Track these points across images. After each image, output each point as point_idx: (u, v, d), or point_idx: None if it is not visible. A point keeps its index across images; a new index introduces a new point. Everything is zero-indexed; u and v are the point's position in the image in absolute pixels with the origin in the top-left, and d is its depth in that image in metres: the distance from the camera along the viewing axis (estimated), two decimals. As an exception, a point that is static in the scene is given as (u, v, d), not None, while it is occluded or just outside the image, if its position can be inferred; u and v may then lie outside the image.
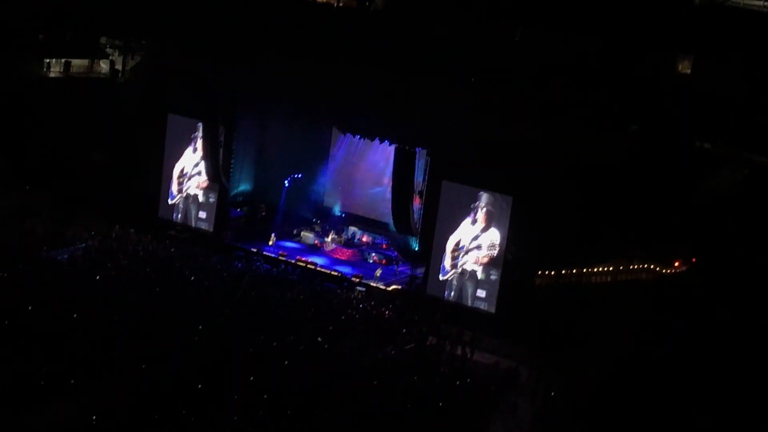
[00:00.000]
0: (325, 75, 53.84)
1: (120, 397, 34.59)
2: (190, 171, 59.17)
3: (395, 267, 57.05)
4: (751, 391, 39.90)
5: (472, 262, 50.87)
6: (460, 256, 51.16)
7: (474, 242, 50.80)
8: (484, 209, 50.26)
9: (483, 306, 50.74)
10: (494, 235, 50.18)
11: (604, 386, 40.54)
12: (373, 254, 58.46)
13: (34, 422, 31.88)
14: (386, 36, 54.30)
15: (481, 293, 50.79)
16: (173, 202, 59.97)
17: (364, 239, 60.86)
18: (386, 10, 59.11)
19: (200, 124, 57.95)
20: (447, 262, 51.52)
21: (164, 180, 60.09)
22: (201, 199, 59.08)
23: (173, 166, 59.70)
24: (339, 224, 61.93)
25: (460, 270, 51.25)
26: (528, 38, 53.72)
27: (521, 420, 39.68)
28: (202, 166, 58.25)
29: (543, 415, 39.47)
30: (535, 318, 47.19)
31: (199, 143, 58.24)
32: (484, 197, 50.22)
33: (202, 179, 58.68)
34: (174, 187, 59.90)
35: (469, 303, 51.07)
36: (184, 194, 59.61)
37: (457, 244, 51.19)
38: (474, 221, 50.63)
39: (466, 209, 50.86)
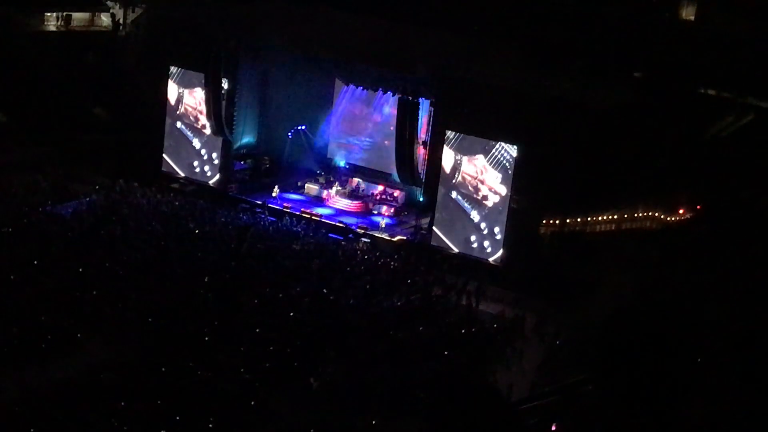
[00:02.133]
0: (327, 25, 53.47)
1: (126, 351, 34.77)
2: (193, 123, 58.94)
3: (400, 217, 57.11)
4: (756, 338, 39.99)
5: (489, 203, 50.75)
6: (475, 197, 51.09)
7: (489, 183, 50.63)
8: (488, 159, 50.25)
9: (488, 256, 50.77)
10: (499, 185, 50.10)
11: (610, 334, 40.60)
12: (379, 206, 58.40)
13: (41, 377, 32.03)
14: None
15: (486, 243, 50.79)
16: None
17: (369, 190, 60.69)
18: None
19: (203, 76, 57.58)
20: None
21: (167, 133, 59.87)
22: (204, 151, 58.89)
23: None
24: (343, 175, 61.85)
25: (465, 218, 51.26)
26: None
27: (527, 368, 39.87)
28: (204, 119, 57.96)
29: (549, 363, 39.65)
30: (540, 267, 47.27)
31: (202, 96, 57.94)
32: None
33: (206, 132, 58.43)
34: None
35: (475, 253, 51.05)
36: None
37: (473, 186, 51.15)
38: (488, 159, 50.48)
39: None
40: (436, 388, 34.53)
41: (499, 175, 50.10)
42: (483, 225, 50.86)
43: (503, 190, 50.07)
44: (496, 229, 50.49)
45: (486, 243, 50.84)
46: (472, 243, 51.12)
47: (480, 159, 50.38)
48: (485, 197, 50.69)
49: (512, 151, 49.36)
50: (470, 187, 51.10)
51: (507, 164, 49.67)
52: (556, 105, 47.39)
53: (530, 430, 31.86)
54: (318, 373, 34.90)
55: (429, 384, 35.20)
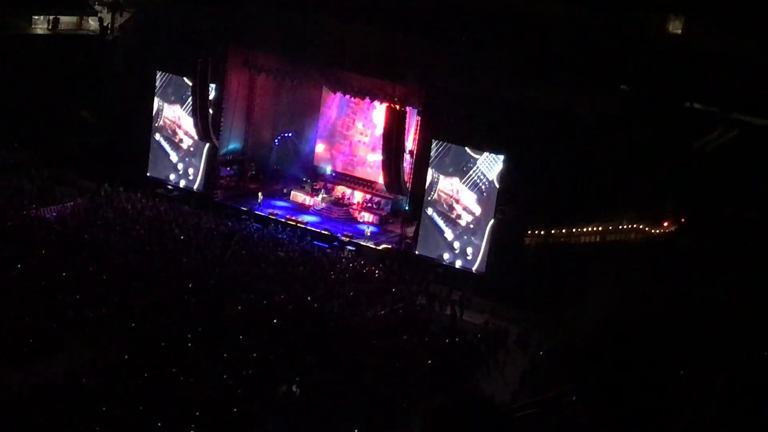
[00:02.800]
0: (316, 33, 53.47)
1: (109, 355, 34.65)
2: (180, 130, 58.90)
3: (385, 226, 57.14)
4: (742, 348, 40.11)
5: (463, 222, 50.94)
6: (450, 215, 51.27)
7: (464, 202, 50.86)
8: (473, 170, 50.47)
9: (472, 266, 50.82)
10: (474, 204, 50.35)
11: (593, 346, 40.70)
12: (363, 214, 58.39)
13: (23, 379, 31.85)
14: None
15: (470, 253, 50.85)
16: (162, 160, 59.66)
17: (354, 198, 60.66)
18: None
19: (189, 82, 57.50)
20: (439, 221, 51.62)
21: (153, 138, 59.78)
22: (190, 157, 58.84)
23: (162, 125, 59.42)
24: (329, 183, 61.80)
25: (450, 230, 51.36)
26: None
27: (510, 378, 39.88)
28: (191, 125, 57.89)
29: (531, 374, 39.66)
30: (524, 278, 47.29)
31: (188, 101, 57.93)
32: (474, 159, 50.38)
33: (192, 137, 58.38)
34: (163, 146, 59.59)
35: (459, 263, 51.11)
36: (174, 153, 59.31)
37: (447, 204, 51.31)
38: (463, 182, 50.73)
39: (456, 169, 50.86)
40: (422, 398, 34.61)
41: (474, 196, 50.39)
42: (456, 244, 51.11)
43: (478, 210, 50.30)
44: (469, 250, 50.81)
45: (458, 263, 51.09)
46: (445, 261, 51.30)
47: (456, 180, 50.77)
48: (459, 216, 50.93)
49: (489, 174, 49.67)
50: (445, 205, 51.32)
51: (483, 186, 50.00)
52: (543, 116, 47.49)
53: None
54: (300, 380, 34.81)
55: (411, 393, 35.25)
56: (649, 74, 49.74)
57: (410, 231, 54.09)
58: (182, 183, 59.10)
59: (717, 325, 40.95)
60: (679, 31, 52.19)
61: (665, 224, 51.98)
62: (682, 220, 51.51)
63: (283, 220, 55.26)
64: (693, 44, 50.47)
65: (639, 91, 50.38)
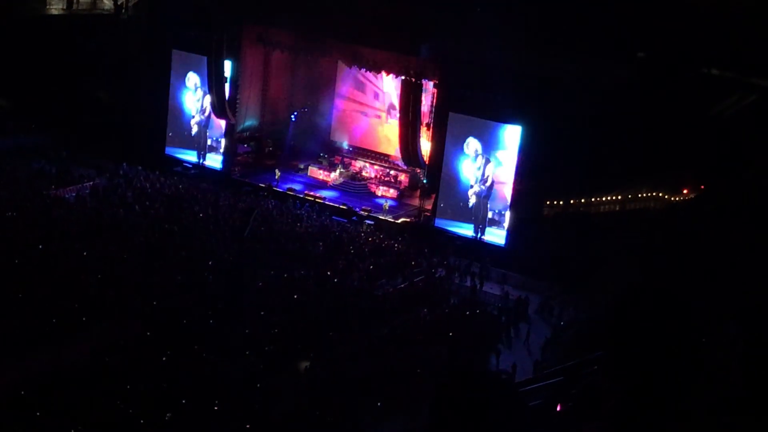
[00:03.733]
0: (330, 7, 53.21)
1: (131, 334, 34.82)
2: (197, 107, 59.00)
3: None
4: (763, 317, 39.97)
5: (481, 195, 50.89)
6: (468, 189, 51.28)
7: (482, 175, 50.80)
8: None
9: (492, 237, 50.78)
10: (502, 167, 50.23)
11: (614, 315, 40.67)
12: (383, 188, 58.37)
13: (46, 359, 32.10)
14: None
15: (490, 224, 50.81)
16: (180, 137, 59.80)
17: (372, 173, 60.64)
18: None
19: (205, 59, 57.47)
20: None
21: (170, 116, 59.87)
22: (207, 134, 58.94)
23: (179, 103, 59.48)
24: (346, 158, 61.78)
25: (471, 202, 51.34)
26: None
27: (531, 349, 39.97)
28: (207, 102, 57.95)
29: (552, 344, 39.71)
30: (544, 249, 47.24)
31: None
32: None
33: (209, 115, 58.46)
34: (180, 124, 59.72)
35: (479, 234, 51.08)
36: (191, 130, 59.43)
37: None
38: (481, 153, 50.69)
39: (474, 141, 50.77)
40: (439, 371, 34.65)
41: (493, 167, 50.60)
42: (489, 206, 51.19)
43: (496, 181, 50.53)
44: (502, 209, 50.79)
45: (478, 234, 51.29)
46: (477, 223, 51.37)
47: (474, 152, 50.90)
48: (479, 187, 51.06)
49: (508, 145, 49.75)
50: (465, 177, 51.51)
51: (501, 157, 50.23)
52: (560, 85, 47.30)
53: (534, 410, 31.93)
54: (311, 356, 34.91)
55: (432, 366, 35.30)
56: (665, 41, 49.35)
57: (428, 204, 54.04)
58: (200, 160, 59.21)
59: (737, 293, 40.79)
60: (697, -3, 51.73)
61: (685, 191, 51.80)
62: (702, 186, 51.30)
63: (302, 196, 55.34)
64: (709, 10, 49.99)
65: (656, 59, 50.03)
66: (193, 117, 59.19)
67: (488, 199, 50.71)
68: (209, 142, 59.01)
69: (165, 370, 32.32)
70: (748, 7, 48.71)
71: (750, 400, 32.07)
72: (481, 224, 50.99)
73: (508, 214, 50.22)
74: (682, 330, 37.74)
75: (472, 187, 51.09)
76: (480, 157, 50.66)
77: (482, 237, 50.87)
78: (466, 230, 51.45)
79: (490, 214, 50.80)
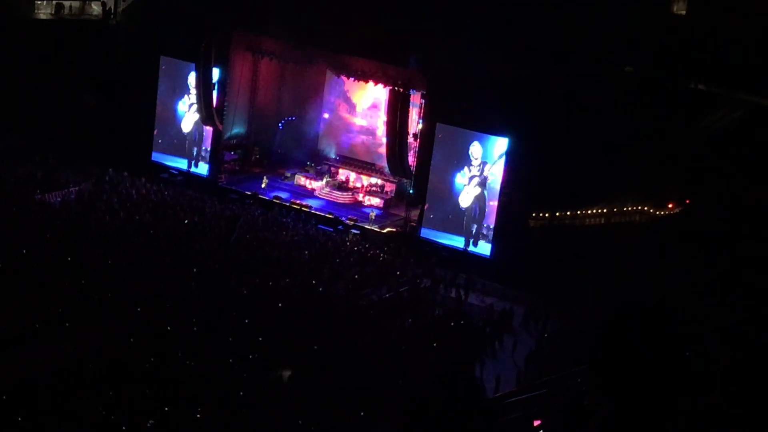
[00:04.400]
0: (319, 16, 53.28)
1: (115, 339, 34.70)
2: (183, 114, 58.94)
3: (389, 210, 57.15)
4: (748, 333, 40.08)
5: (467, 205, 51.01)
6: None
7: (468, 186, 50.93)
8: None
9: (478, 248, 50.85)
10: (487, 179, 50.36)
11: (598, 328, 40.74)
12: (368, 197, 58.42)
13: (29, 364, 31.96)
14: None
15: (475, 236, 50.89)
16: (166, 144, 59.71)
17: (359, 182, 60.68)
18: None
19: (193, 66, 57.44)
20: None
21: (157, 123, 59.78)
22: (194, 141, 58.88)
23: (166, 109, 59.40)
24: (333, 166, 61.81)
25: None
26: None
27: (515, 360, 39.96)
28: (194, 109, 57.90)
29: (536, 357, 39.72)
30: (530, 260, 47.30)
31: (192, 86, 58.00)
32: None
33: (195, 122, 58.40)
34: (168, 130, 59.62)
35: (463, 245, 51.15)
36: (178, 137, 59.35)
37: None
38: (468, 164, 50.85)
39: (460, 152, 50.86)
40: (417, 382, 34.65)
41: (479, 178, 50.91)
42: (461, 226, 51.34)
43: (483, 192, 50.79)
44: (473, 232, 51.14)
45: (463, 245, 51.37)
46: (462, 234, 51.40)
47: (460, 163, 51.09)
48: (464, 197, 51.24)
49: (494, 156, 50.00)
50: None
51: (487, 169, 50.53)
52: (548, 98, 47.43)
53: (512, 424, 32.02)
54: (294, 365, 34.84)
55: (412, 377, 35.27)
56: (653, 55, 49.57)
57: (415, 214, 54.07)
58: (186, 167, 59.13)
59: (723, 307, 40.95)
60: (684, 12, 51.98)
61: (670, 205, 51.94)
62: (687, 201, 51.46)
63: (288, 204, 55.30)
64: (697, 24, 50.26)
65: (643, 72, 50.25)
66: (181, 124, 59.12)
67: (474, 209, 50.80)
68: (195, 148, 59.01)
69: (148, 377, 32.21)
70: (735, 22, 49.00)
71: (736, 414, 32.18)
72: (472, 236, 51.04)
73: (493, 226, 50.31)
74: (667, 343, 37.84)
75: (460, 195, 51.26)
76: (466, 168, 50.78)
77: (473, 249, 50.90)
78: (454, 242, 51.45)
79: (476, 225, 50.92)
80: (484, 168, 50.59)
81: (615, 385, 33.52)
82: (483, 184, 50.71)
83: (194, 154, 59.14)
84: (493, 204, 50.49)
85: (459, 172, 51.29)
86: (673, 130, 48.50)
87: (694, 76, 50.10)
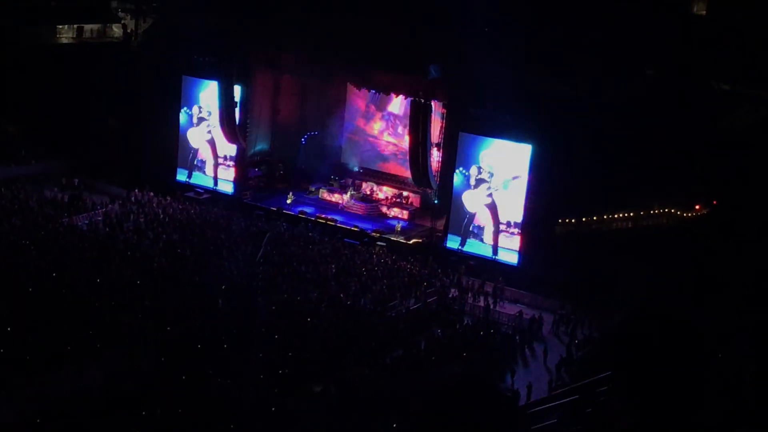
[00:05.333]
0: (339, 31, 53.43)
1: (146, 359, 34.85)
2: (207, 133, 59.24)
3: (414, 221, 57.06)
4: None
5: (491, 215, 50.90)
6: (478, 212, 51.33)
7: (491, 196, 50.86)
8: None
9: (505, 256, 50.71)
10: (512, 186, 50.22)
11: (627, 334, 40.51)
12: (393, 209, 58.38)
13: (61, 386, 32.16)
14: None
15: (503, 243, 50.74)
16: (191, 163, 60.06)
17: (383, 194, 60.64)
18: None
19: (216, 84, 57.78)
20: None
21: (181, 142, 60.12)
22: (219, 159, 59.15)
23: (189, 129, 59.74)
24: (357, 179, 61.82)
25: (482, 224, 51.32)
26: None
27: (546, 369, 39.82)
28: (218, 127, 58.19)
29: (566, 363, 39.56)
30: (557, 267, 47.13)
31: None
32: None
33: (220, 140, 58.68)
34: (192, 149, 59.99)
35: (491, 253, 51.06)
36: (203, 155, 59.69)
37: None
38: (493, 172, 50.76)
39: (485, 160, 50.82)
40: (448, 394, 34.56)
41: (504, 186, 50.59)
42: (488, 235, 51.23)
43: (508, 200, 50.44)
44: (501, 240, 50.89)
45: (503, 243, 51.04)
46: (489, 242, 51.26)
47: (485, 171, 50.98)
48: (491, 206, 51.09)
49: (518, 163, 49.72)
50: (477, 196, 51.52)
51: (513, 175, 50.20)
52: (570, 103, 47.32)
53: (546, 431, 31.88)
54: (323, 379, 34.85)
55: (443, 388, 35.18)
56: (674, 56, 49.45)
57: (440, 224, 54.01)
58: (212, 185, 59.45)
59: (752, 310, 40.64)
60: (704, 13, 51.87)
61: (697, 207, 51.70)
62: (714, 202, 51.19)
63: (313, 219, 55.38)
64: (718, 25, 50.13)
65: (665, 74, 50.10)
66: (205, 142, 59.52)
67: (500, 218, 50.74)
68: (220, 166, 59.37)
69: (179, 395, 32.33)
70: (755, 21, 48.83)
71: (762, 416, 31.91)
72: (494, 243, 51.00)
73: (520, 234, 50.17)
74: (694, 347, 37.58)
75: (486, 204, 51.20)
76: (493, 176, 50.70)
77: (495, 255, 50.80)
78: (479, 249, 51.37)
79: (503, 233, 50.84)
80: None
81: (642, 391, 33.32)
82: (491, 194, 50.68)
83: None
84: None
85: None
86: (697, 131, 48.31)
87: (716, 76, 49.92)
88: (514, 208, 50.19)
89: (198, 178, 59.70)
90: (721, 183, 49.05)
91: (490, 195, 50.65)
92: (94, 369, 34.04)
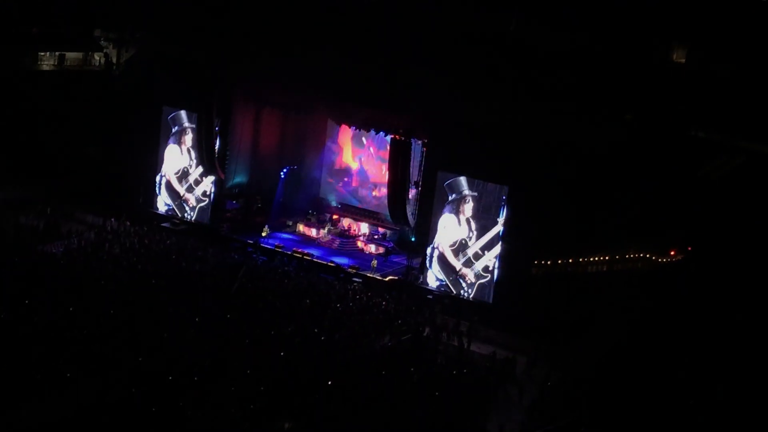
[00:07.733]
0: (320, 65, 53.61)
1: (117, 391, 34.55)
2: (185, 164, 59.19)
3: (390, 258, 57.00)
4: (748, 381, 39.94)
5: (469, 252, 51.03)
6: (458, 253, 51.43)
7: (467, 236, 51.02)
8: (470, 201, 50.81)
9: (479, 296, 50.77)
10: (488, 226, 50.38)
11: (600, 376, 40.60)
12: (370, 245, 58.42)
13: (31, 417, 31.81)
14: (380, 27, 53.94)
15: (477, 283, 50.84)
16: (168, 194, 59.95)
17: (360, 230, 60.72)
18: (380, 1, 58.84)
19: (195, 116, 57.81)
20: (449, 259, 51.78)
21: (159, 173, 60.02)
22: (197, 191, 59.06)
23: (168, 160, 59.70)
24: (334, 215, 61.87)
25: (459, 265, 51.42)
26: (523, 28, 53.48)
27: (518, 410, 39.72)
28: (196, 159, 58.17)
29: (540, 405, 39.50)
30: (531, 308, 47.19)
31: (191, 137, 58.45)
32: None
33: (197, 171, 58.63)
34: (170, 180, 59.89)
35: (466, 294, 51.11)
36: (180, 186, 59.59)
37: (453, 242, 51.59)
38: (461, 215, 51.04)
39: (462, 199, 51.01)
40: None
41: (480, 226, 50.97)
42: (463, 274, 51.36)
43: (484, 240, 50.66)
44: (475, 280, 51.13)
45: (465, 293, 51.39)
46: (464, 283, 51.31)
47: (462, 211, 51.22)
48: (465, 246, 51.21)
49: (495, 204, 50.00)
50: (452, 236, 51.75)
51: (488, 216, 50.55)
52: (549, 145, 47.57)
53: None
54: (294, 415, 34.66)
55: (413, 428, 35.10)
56: (653, 103, 49.85)
57: (416, 262, 54.04)
58: (188, 216, 59.31)
59: (724, 353, 40.85)
60: (683, 60, 52.34)
61: (672, 253, 51.96)
62: (689, 248, 51.48)
63: (290, 253, 55.30)
64: (697, 72, 50.60)
65: (644, 120, 50.48)
66: (183, 173, 59.41)
67: (475, 257, 50.84)
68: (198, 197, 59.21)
69: (151, 427, 32.03)
70: (733, 70, 49.34)
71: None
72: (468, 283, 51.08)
73: (495, 274, 50.31)
74: (669, 390, 37.71)
75: (460, 244, 51.27)
76: (468, 215, 50.88)
77: (470, 295, 50.88)
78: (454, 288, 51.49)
79: (478, 273, 50.92)
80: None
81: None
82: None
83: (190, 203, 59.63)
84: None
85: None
86: (674, 178, 48.64)
87: (693, 124, 50.35)
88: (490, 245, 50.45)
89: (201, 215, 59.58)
90: (697, 230, 49.35)
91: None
92: (65, 399, 33.71)
